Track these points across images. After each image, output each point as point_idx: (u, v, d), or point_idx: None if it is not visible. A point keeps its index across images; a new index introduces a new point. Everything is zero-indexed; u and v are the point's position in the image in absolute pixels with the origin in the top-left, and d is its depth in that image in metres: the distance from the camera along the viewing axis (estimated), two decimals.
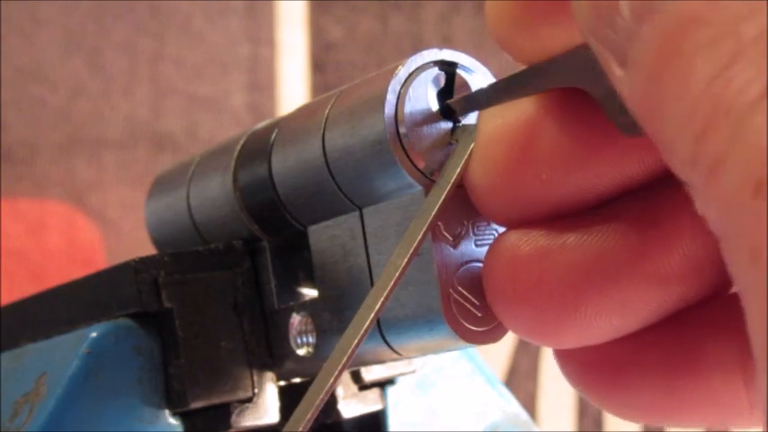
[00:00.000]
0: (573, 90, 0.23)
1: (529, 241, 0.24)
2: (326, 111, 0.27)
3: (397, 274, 0.24)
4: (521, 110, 0.24)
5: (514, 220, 0.25)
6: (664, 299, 0.24)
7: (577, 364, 0.25)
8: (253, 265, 0.31)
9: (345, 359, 0.24)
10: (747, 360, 0.23)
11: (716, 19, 0.17)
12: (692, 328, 0.24)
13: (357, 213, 0.27)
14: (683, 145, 0.17)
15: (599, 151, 0.23)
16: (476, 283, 0.25)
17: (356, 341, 0.24)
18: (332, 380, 0.24)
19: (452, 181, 0.25)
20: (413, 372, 0.33)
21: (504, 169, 0.24)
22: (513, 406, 0.35)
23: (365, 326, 0.24)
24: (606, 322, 0.24)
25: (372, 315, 0.24)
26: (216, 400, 0.29)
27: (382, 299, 0.24)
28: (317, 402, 0.24)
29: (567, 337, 0.24)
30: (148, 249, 0.32)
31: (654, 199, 0.24)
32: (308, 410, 0.24)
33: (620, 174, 0.23)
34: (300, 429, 0.24)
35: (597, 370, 0.25)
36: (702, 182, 0.17)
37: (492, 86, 0.25)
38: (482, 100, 0.25)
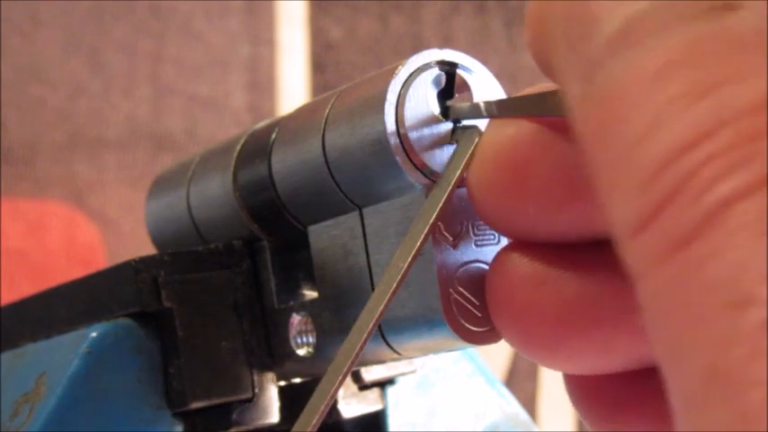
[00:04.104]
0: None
1: (528, 263, 0.24)
2: (326, 111, 0.27)
3: (399, 277, 0.24)
4: (522, 137, 0.24)
5: (511, 234, 0.25)
6: (646, 352, 0.23)
7: (577, 388, 0.25)
8: (252, 265, 0.31)
9: (349, 363, 0.24)
10: None
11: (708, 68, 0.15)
12: None
13: (357, 213, 0.27)
14: (637, 205, 0.16)
15: (587, 202, 0.23)
16: (476, 284, 0.25)
17: (360, 344, 0.24)
18: (337, 383, 0.24)
19: (453, 182, 0.25)
20: (413, 372, 0.33)
21: (497, 191, 0.24)
22: (513, 406, 0.35)
23: (368, 329, 0.24)
24: (588, 359, 0.24)
25: (375, 318, 0.24)
26: (216, 400, 0.29)
27: (385, 301, 0.24)
28: (323, 406, 0.24)
29: (551, 362, 0.24)
30: (148, 249, 0.32)
31: None
32: (313, 413, 0.24)
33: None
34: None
35: (594, 400, 0.25)
36: (649, 263, 0.16)
37: (503, 101, 0.25)
38: (488, 110, 0.25)
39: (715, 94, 0.15)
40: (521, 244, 0.24)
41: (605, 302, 0.23)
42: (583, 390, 0.25)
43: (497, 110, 0.25)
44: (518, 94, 0.24)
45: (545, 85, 0.24)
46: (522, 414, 0.35)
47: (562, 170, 0.23)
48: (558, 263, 0.24)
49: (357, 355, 0.24)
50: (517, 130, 0.24)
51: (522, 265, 0.24)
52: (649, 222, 0.16)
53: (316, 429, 0.24)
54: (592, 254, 0.24)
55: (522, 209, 0.24)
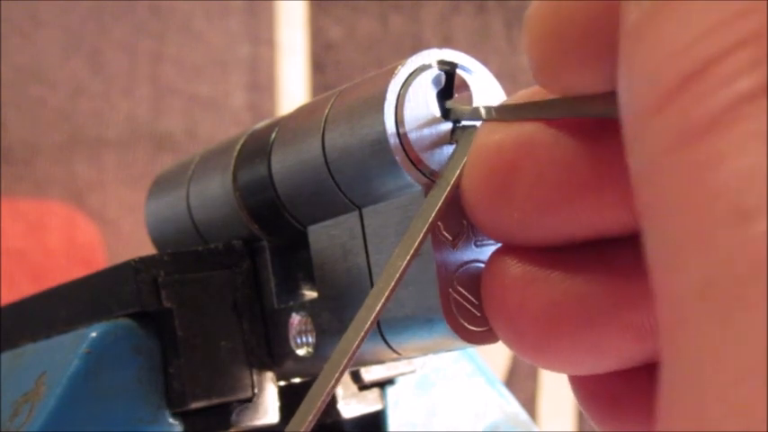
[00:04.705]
0: (570, 134, 0.23)
1: (518, 265, 0.24)
2: (326, 111, 0.27)
3: (397, 276, 0.24)
4: (508, 142, 0.24)
5: (500, 238, 0.25)
6: (639, 350, 0.24)
7: (579, 387, 0.25)
8: (252, 265, 0.31)
9: (346, 360, 0.24)
10: None
11: None
12: None
13: (357, 213, 0.27)
14: (645, 101, 0.15)
15: (573, 203, 0.23)
16: (475, 284, 0.25)
17: (357, 342, 0.24)
18: (333, 381, 0.24)
19: (452, 182, 0.25)
20: (413, 372, 0.33)
21: (484, 195, 0.24)
22: (513, 406, 0.35)
23: (366, 327, 0.24)
24: (577, 359, 0.24)
25: (373, 316, 0.24)
26: (216, 400, 0.29)
27: (383, 300, 0.24)
28: (319, 404, 0.24)
29: (545, 362, 0.25)
30: (148, 249, 0.32)
31: (641, 254, 0.23)
32: (309, 412, 0.24)
33: (593, 227, 0.23)
34: (302, 430, 0.24)
35: (594, 398, 0.25)
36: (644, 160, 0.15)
37: (502, 106, 0.25)
38: (487, 114, 0.25)
39: None
40: (513, 246, 0.25)
41: (594, 303, 0.23)
42: (585, 388, 0.25)
43: (496, 114, 0.25)
44: (516, 98, 0.24)
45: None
46: (522, 414, 0.35)
47: (546, 176, 0.23)
48: (547, 265, 0.24)
49: (354, 353, 0.24)
50: (503, 136, 0.24)
51: (513, 267, 0.24)
52: (667, 103, 0.15)
53: (311, 428, 0.24)
54: (579, 256, 0.24)
55: (508, 213, 0.24)
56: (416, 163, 0.25)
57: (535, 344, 0.24)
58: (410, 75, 0.26)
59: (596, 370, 0.24)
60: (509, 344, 0.25)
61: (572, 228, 0.23)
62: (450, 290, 0.25)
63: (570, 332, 0.23)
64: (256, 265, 0.31)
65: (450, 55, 0.26)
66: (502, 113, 0.24)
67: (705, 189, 0.14)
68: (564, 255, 0.24)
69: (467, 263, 0.25)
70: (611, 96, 0.22)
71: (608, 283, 0.23)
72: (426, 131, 0.26)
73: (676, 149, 0.14)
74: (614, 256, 0.24)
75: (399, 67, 0.26)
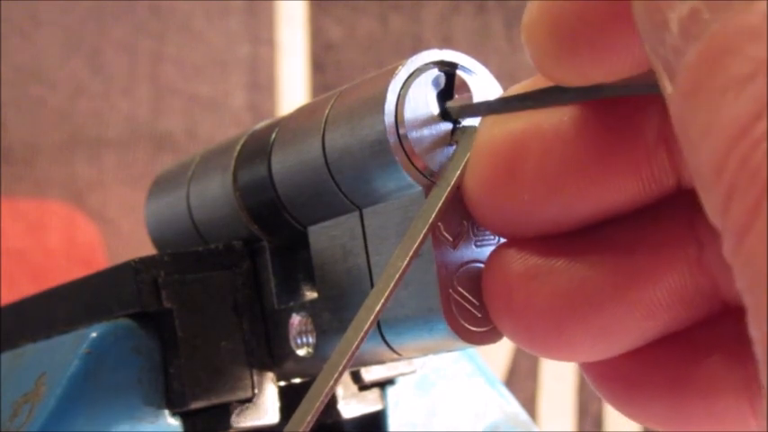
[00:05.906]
0: (575, 108, 0.23)
1: (520, 260, 0.24)
2: (326, 111, 0.27)
3: (397, 276, 0.24)
4: (514, 126, 0.24)
5: (505, 233, 0.25)
6: (649, 327, 0.24)
7: (593, 374, 0.25)
8: (253, 265, 0.31)
9: (346, 360, 0.24)
10: (753, 382, 0.23)
11: (753, 51, 0.14)
12: (696, 347, 0.24)
13: (357, 214, 0.27)
14: (714, 196, 0.15)
15: (581, 179, 0.23)
16: (476, 284, 0.25)
17: (356, 342, 0.24)
18: (332, 381, 0.24)
19: (452, 183, 0.25)
20: (413, 372, 0.33)
21: (491, 184, 0.24)
22: (513, 406, 0.35)
23: (365, 327, 0.24)
24: (589, 345, 0.24)
25: (373, 316, 0.24)
26: (216, 401, 0.29)
27: (382, 300, 0.24)
28: (318, 404, 0.24)
29: (557, 353, 0.25)
30: (148, 249, 0.32)
31: (644, 229, 0.24)
32: (308, 412, 0.24)
33: (602, 201, 0.23)
34: (301, 430, 0.24)
35: (611, 383, 0.25)
36: (731, 243, 0.15)
37: (502, 99, 0.25)
38: (483, 108, 0.25)
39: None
40: (513, 241, 0.25)
41: (600, 285, 0.23)
42: (599, 374, 0.25)
43: (495, 107, 0.25)
44: (514, 90, 0.24)
45: (539, 78, 0.24)
46: (522, 414, 0.35)
47: (554, 151, 0.23)
48: (549, 255, 0.24)
49: (354, 353, 0.24)
50: (509, 124, 0.24)
51: (515, 261, 0.24)
52: (725, 211, 0.15)
53: (310, 428, 0.24)
54: (579, 241, 0.24)
55: (516, 198, 0.24)
56: (416, 164, 0.25)
57: (545, 337, 0.24)
58: (410, 75, 0.26)
59: (607, 354, 0.24)
60: (517, 340, 0.25)
61: (580, 206, 0.23)
62: (451, 290, 0.25)
63: (579, 319, 0.23)
64: (256, 265, 0.31)
65: (450, 55, 0.26)
66: (501, 107, 0.25)
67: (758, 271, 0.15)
68: (564, 242, 0.24)
69: (467, 263, 0.26)
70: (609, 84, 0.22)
71: (611, 263, 0.23)
72: (426, 132, 0.26)
73: (739, 245, 0.15)
74: (614, 234, 0.24)
75: (399, 67, 0.26)
